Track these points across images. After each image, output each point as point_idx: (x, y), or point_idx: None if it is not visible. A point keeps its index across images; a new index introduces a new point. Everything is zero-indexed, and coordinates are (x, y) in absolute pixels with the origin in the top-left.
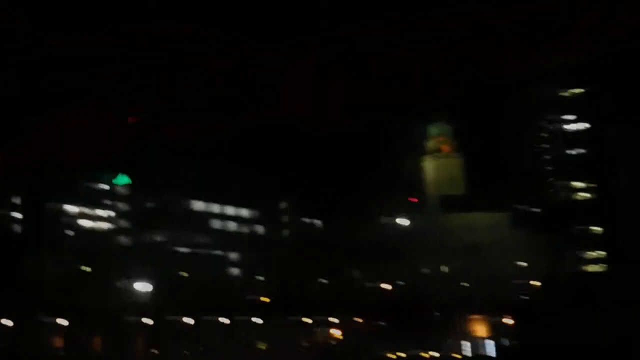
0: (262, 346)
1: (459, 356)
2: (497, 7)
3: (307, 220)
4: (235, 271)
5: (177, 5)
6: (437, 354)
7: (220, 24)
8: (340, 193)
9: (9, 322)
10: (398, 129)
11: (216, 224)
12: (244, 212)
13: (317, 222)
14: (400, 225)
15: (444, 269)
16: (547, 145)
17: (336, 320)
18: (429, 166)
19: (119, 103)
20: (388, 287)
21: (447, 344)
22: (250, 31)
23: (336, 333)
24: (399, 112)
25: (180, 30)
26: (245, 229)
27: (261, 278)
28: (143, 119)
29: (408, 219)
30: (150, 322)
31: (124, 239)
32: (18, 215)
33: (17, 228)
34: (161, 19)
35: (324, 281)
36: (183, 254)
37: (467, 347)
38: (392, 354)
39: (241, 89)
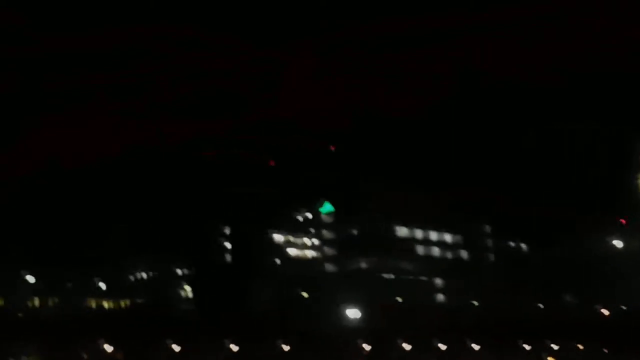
0: None
1: None
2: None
3: (512, 243)
4: (441, 297)
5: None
6: None
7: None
8: (545, 215)
9: (234, 348)
10: (610, 145)
11: (420, 249)
12: (447, 237)
13: (523, 246)
14: (614, 247)
15: None
16: None
17: (556, 347)
18: None
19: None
20: (606, 312)
21: None
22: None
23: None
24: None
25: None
26: (449, 254)
27: (475, 303)
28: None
29: (622, 240)
30: (368, 347)
31: (330, 266)
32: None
33: (229, 258)
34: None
35: (540, 306)
36: (389, 280)
37: None
38: None
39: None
